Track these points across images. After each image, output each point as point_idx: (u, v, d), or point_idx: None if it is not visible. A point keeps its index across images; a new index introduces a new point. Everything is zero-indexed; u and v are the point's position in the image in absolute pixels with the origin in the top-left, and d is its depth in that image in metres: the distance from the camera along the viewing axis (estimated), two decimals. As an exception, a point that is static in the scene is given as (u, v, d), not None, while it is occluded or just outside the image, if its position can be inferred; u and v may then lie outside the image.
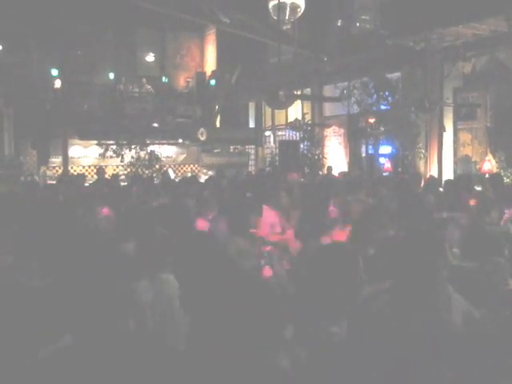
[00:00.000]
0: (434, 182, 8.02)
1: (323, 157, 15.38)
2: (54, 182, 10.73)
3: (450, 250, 3.42)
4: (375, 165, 13.99)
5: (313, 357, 2.20)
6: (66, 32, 15.99)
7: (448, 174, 12.06)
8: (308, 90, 16.63)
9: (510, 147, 10.71)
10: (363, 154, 15.19)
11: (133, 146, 14.46)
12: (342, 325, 2.29)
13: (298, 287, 2.37)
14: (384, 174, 12.51)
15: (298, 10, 12.23)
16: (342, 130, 15.48)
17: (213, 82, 18.02)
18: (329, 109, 16.23)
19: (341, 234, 4.20)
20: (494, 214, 5.02)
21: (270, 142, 18.46)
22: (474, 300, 2.58)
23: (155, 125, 15.29)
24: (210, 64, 19.79)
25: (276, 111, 17.25)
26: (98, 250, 3.27)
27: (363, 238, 3.65)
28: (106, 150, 14.80)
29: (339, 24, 15.15)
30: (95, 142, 15.26)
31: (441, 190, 7.57)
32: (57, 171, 15.04)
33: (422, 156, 12.46)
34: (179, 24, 17.67)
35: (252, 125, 19.50)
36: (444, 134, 12.40)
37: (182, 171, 17.06)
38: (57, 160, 15.44)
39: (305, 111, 16.06)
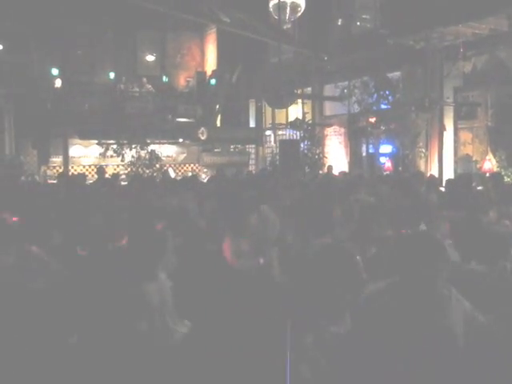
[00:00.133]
0: (434, 182, 8.02)
1: (324, 156, 15.37)
2: (55, 182, 10.75)
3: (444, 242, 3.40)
4: (376, 164, 13.99)
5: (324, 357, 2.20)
6: (66, 32, 16.02)
7: (448, 174, 12.07)
8: (308, 90, 16.63)
9: (510, 146, 10.71)
10: (364, 154, 15.18)
11: (133, 146, 14.46)
12: (342, 324, 2.29)
13: (298, 287, 2.37)
14: (385, 173, 12.51)
15: (299, 9, 12.25)
16: (343, 130, 15.48)
17: (213, 81, 18.01)
18: (329, 108, 16.23)
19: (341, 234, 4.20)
20: (492, 214, 5.03)
21: (270, 142, 18.43)
22: (482, 304, 2.55)
23: (155, 124, 15.28)
24: (211, 63, 19.78)
25: (276, 110, 17.21)
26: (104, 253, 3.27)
27: (364, 238, 3.65)
28: (107, 149, 14.81)
29: (339, 23, 15.15)
30: (95, 141, 15.26)
31: (441, 189, 7.57)
32: (57, 171, 15.03)
33: (423, 155, 12.47)
34: (179, 24, 17.70)
35: (252, 124, 19.48)
36: (444, 133, 12.41)
37: (182, 171, 17.06)
38: (57, 160, 15.44)
39: (305, 110, 16.06)
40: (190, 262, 3.52)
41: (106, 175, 11.54)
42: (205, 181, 10.53)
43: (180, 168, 17.18)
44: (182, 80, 19.75)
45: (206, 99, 17.76)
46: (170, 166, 16.25)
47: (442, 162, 12.44)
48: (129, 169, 14.40)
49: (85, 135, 15.07)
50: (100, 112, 15.50)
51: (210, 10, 15.35)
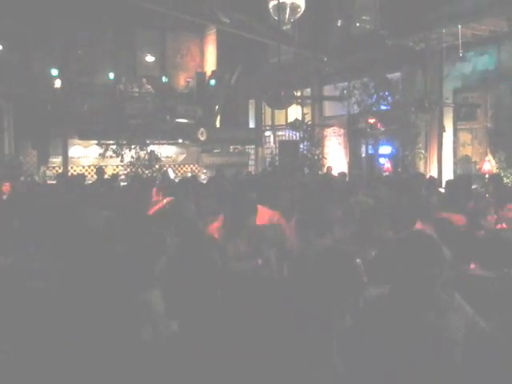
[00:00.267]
0: (434, 183, 8.02)
1: (323, 157, 15.37)
2: (54, 182, 10.74)
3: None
4: (375, 165, 14.00)
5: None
6: (66, 32, 16.00)
7: (448, 175, 12.07)
8: (308, 91, 16.63)
9: (509, 147, 10.71)
10: (363, 154, 15.20)
11: (133, 146, 14.45)
12: (342, 327, 2.29)
13: (298, 289, 2.36)
14: (384, 174, 12.51)
15: (298, 10, 12.23)
16: (342, 130, 15.48)
17: (213, 82, 18.02)
18: (329, 109, 16.23)
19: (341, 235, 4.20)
20: (490, 218, 5.01)
21: (269, 142, 18.45)
22: (487, 310, 2.54)
23: (155, 125, 15.28)
24: (210, 64, 19.78)
25: (276, 111, 17.23)
26: (106, 255, 3.26)
27: (365, 239, 3.65)
28: (106, 149, 14.80)
29: (339, 24, 15.15)
30: (95, 141, 15.26)
31: (441, 190, 7.57)
32: (57, 171, 15.02)
33: (422, 156, 12.47)
34: (179, 24, 17.71)
35: (252, 125, 19.49)
36: (444, 134, 12.41)
37: (181, 171, 17.07)
38: (57, 160, 15.44)
39: (305, 111, 16.06)
40: (187, 262, 3.51)
41: (106, 176, 11.54)
42: (204, 181, 10.52)
43: (179, 169, 17.19)
44: (182, 80, 19.75)
45: (206, 100, 17.77)
46: (170, 166, 16.25)
47: (441, 163, 12.45)
48: (128, 169, 14.40)
49: (84, 135, 15.07)
50: (100, 112, 15.51)
51: (210, 10, 15.34)
